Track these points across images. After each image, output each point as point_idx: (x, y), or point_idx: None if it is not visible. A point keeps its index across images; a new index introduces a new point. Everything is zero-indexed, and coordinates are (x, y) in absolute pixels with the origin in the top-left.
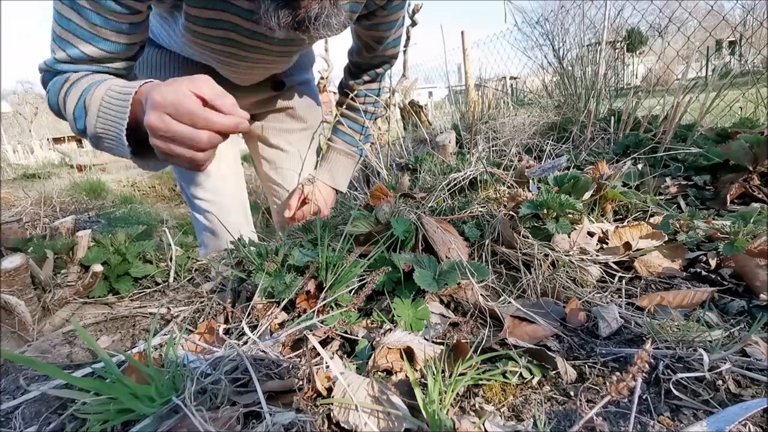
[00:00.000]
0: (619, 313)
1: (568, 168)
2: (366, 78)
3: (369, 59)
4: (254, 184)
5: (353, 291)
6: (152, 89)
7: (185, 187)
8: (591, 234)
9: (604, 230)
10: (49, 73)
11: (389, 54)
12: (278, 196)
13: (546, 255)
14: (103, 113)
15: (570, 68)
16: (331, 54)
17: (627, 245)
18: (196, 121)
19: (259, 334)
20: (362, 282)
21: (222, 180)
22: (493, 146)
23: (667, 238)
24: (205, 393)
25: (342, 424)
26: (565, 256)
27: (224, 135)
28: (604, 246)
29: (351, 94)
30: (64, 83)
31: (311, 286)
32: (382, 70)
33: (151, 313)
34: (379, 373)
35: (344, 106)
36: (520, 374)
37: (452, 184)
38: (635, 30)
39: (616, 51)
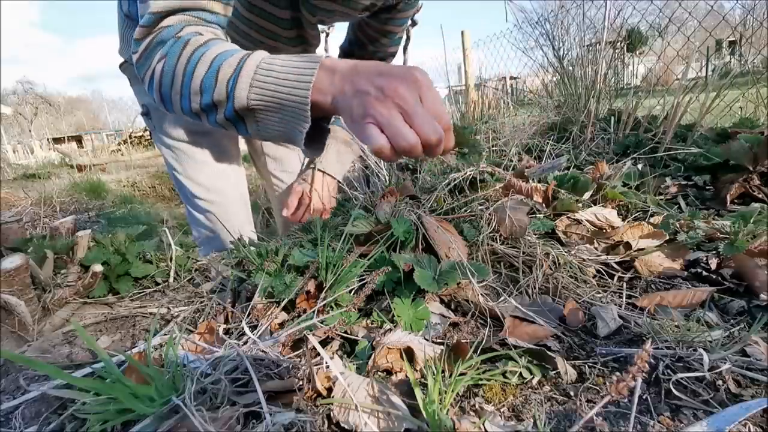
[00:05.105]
0: (619, 313)
1: (568, 168)
2: None
3: (371, 54)
4: (254, 184)
5: (353, 291)
6: (372, 71)
7: (185, 185)
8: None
9: (606, 217)
10: (154, 43)
11: (391, 51)
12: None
13: (547, 254)
14: (264, 81)
15: (570, 68)
16: (330, 54)
17: (627, 245)
18: (430, 130)
19: (259, 334)
20: (362, 282)
21: (224, 179)
22: (493, 146)
23: (668, 237)
24: (205, 393)
25: (342, 424)
26: (567, 254)
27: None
28: (609, 247)
29: None
30: (182, 50)
31: (311, 286)
32: None
33: (151, 313)
34: (379, 373)
35: None
36: (520, 374)
37: (452, 184)
38: (635, 30)
39: (616, 51)
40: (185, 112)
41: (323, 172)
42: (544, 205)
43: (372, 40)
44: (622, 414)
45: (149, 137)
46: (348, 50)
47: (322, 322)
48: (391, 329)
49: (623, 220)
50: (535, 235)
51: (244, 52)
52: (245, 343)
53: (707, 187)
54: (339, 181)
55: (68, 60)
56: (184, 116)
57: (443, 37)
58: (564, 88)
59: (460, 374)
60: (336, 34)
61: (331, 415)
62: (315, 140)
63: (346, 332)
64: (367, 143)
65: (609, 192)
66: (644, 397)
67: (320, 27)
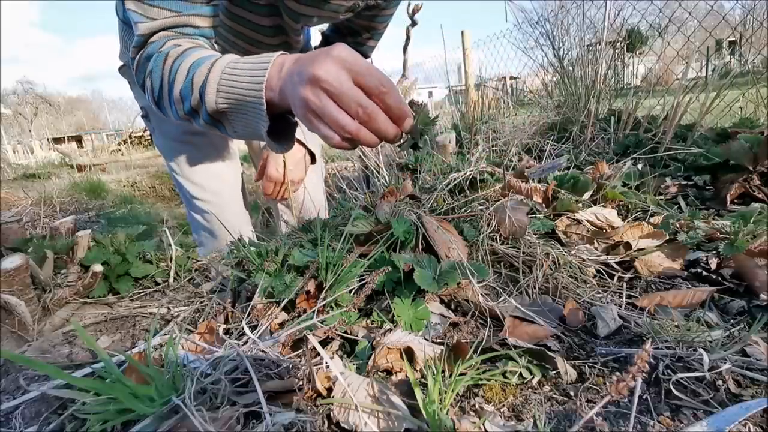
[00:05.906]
0: (619, 313)
1: (568, 168)
2: None
3: (351, 43)
4: (254, 184)
5: (353, 291)
6: (303, 60)
7: (183, 186)
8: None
9: (606, 217)
10: (143, 59)
11: (370, 44)
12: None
13: (547, 254)
14: (227, 84)
15: (570, 68)
16: None
17: (627, 245)
18: (360, 115)
19: (259, 334)
20: (362, 282)
21: (219, 179)
22: (493, 146)
23: (668, 237)
24: (205, 393)
25: (342, 424)
26: (567, 254)
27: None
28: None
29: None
30: (164, 63)
31: (311, 286)
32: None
33: (151, 313)
34: (379, 373)
35: None
36: (520, 374)
37: (452, 184)
38: (635, 30)
39: (616, 51)
40: (177, 118)
41: (305, 150)
42: (544, 205)
43: (353, 32)
44: (622, 414)
45: (149, 137)
46: (330, 36)
47: (322, 322)
48: (391, 329)
49: (623, 220)
50: (535, 235)
51: (215, 57)
52: (245, 343)
53: (707, 187)
54: (309, 149)
55: (68, 60)
56: (180, 121)
57: (443, 37)
58: (564, 88)
59: (460, 374)
60: None
61: (331, 415)
62: (287, 135)
63: (346, 332)
64: (325, 141)
65: (609, 192)
66: (644, 397)
67: (316, 28)
